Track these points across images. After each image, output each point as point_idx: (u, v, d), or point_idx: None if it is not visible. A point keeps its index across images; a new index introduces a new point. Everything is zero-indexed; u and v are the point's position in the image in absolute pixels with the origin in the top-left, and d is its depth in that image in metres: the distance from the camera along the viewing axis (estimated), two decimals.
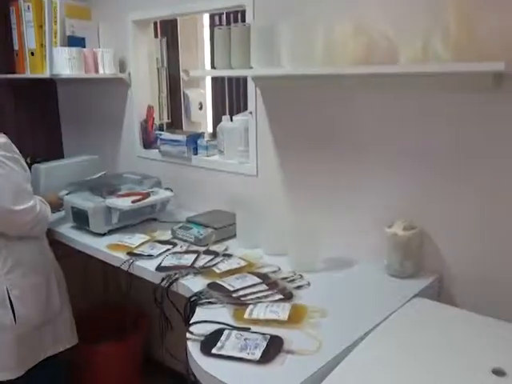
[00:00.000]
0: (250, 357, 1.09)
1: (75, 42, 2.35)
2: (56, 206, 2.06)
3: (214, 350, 1.12)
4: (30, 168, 2.30)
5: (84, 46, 2.38)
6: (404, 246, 1.48)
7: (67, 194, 2.06)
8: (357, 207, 1.68)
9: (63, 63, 2.23)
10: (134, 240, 1.86)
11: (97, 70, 2.33)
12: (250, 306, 1.32)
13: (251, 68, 1.57)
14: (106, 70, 2.33)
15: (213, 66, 1.77)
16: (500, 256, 1.40)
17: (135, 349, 2.41)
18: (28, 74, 2.40)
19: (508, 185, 1.35)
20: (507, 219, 1.37)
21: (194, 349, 1.14)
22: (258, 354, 1.10)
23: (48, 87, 2.79)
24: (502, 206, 1.37)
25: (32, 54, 2.35)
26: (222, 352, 1.11)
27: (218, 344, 1.14)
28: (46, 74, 2.28)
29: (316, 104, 1.71)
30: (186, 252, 1.73)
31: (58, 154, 2.84)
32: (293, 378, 1.02)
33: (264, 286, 1.43)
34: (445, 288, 1.51)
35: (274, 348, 1.12)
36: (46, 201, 1.89)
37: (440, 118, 1.44)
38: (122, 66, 2.41)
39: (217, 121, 2.64)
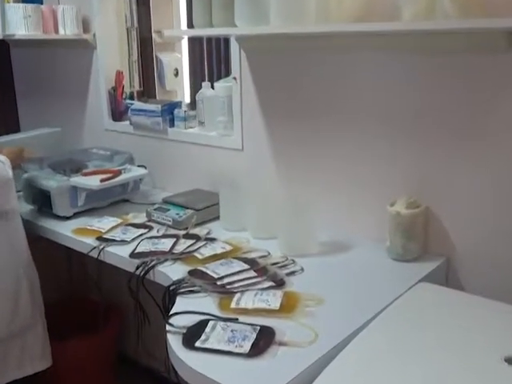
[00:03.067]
0: (238, 350, 1.10)
1: None
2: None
3: (197, 344, 1.12)
4: None
5: (41, 3, 2.34)
6: (408, 225, 1.50)
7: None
8: (355, 183, 1.69)
9: (18, 22, 2.18)
10: (104, 224, 1.86)
11: (57, 31, 2.29)
12: (237, 295, 1.33)
13: (235, 26, 1.55)
14: (68, 30, 2.29)
15: (190, 26, 1.74)
16: None
17: (107, 346, 2.41)
18: None
19: None
20: None
21: (175, 342, 1.14)
22: (247, 347, 1.11)
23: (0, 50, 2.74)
24: None
25: None
26: (207, 345, 1.12)
27: (203, 337, 1.15)
28: None
29: (309, 67, 1.71)
30: (164, 236, 1.73)
31: (14, 128, 2.79)
32: (286, 372, 1.04)
33: (252, 273, 1.44)
34: (453, 272, 1.54)
35: (264, 340, 1.13)
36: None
37: (447, 82, 1.45)
38: (86, 26, 2.37)
39: (195, 89, 2.61)
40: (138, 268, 1.55)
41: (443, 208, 1.53)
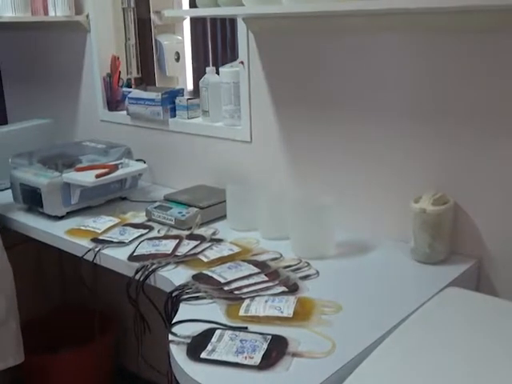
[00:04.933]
0: (247, 361, 1.10)
1: None
2: None
3: (203, 355, 1.13)
4: None
5: None
6: (435, 224, 1.50)
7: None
8: (376, 178, 1.69)
9: (4, 3, 2.20)
10: (100, 223, 1.87)
11: (47, 12, 2.30)
12: (247, 301, 1.33)
13: (243, 5, 1.55)
14: (59, 11, 2.30)
15: (193, 6, 1.75)
16: None
17: (103, 359, 2.43)
18: None
19: None
20: None
21: (178, 353, 1.15)
22: (257, 358, 1.11)
23: None
24: None
25: None
26: (214, 356, 1.12)
27: (209, 347, 1.15)
28: None
29: (325, 50, 1.71)
30: (165, 237, 1.74)
31: (1, 119, 2.82)
32: None
33: (263, 277, 1.44)
34: (485, 275, 1.53)
35: (276, 350, 1.13)
36: None
37: (479, 65, 1.44)
38: (79, 7, 2.37)
39: (198, 75, 2.62)
40: (137, 272, 1.55)
41: (474, 204, 1.53)
